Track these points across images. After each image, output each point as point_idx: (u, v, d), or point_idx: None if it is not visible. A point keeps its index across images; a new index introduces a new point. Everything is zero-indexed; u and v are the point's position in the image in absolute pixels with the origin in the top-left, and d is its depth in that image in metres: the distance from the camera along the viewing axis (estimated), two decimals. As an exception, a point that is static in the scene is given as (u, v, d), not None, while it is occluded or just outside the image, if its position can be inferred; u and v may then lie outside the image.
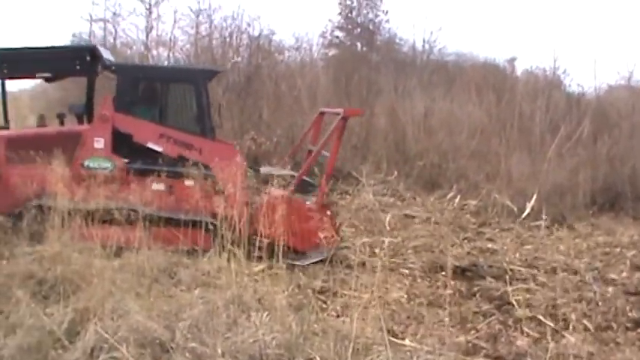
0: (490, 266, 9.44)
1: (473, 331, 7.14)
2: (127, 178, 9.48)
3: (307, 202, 9.69)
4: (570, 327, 6.97)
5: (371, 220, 11.33)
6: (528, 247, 10.85)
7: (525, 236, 11.52)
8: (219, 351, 5.05)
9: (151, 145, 9.72)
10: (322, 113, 11.64)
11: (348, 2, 33.45)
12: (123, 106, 9.78)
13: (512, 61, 26.54)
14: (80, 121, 10.57)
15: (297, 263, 9.12)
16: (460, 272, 9.25)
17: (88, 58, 10.41)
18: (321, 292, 8.07)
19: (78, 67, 10.40)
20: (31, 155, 8.77)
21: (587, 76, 43.23)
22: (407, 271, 9.23)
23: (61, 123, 10.72)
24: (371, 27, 33.00)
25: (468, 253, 10.47)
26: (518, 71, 25.00)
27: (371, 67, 24.68)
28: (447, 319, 7.10)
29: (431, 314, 7.18)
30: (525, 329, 7.12)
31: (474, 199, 13.93)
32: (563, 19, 48.04)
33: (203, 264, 7.82)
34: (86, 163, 9.53)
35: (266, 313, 5.93)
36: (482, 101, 18.38)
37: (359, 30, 32.98)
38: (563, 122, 16.10)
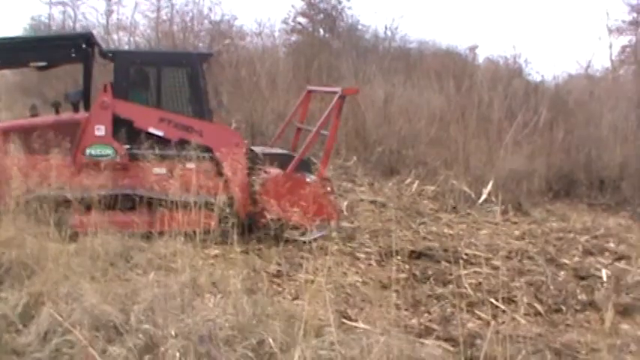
0: (445, 251, 9.52)
1: (426, 314, 7.25)
2: (128, 163, 9.48)
3: (307, 179, 9.85)
4: (522, 310, 7.12)
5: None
6: (484, 232, 11.02)
7: (481, 222, 11.68)
8: (172, 332, 5.09)
9: (151, 130, 9.68)
10: (310, 92, 11.94)
11: (311, -12, 33.32)
12: (121, 92, 9.78)
13: (473, 48, 26.80)
14: (76, 110, 10.34)
15: (302, 239, 9.12)
16: (415, 257, 9.36)
17: (84, 46, 10.32)
18: (276, 275, 8.10)
19: (73, 55, 10.32)
20: (27, 146, 8.75)
21: (549, 65, 43.73)
22: (363, 256, 9.31)
23: (57, 112, 10.45)
24: (333, 13, 32.91)
25: (424, 238, 10.59)
26: (480, 59, 25.28)
27: (332, 53, 24.71)
28: (400, 302, 7.21)
29: (385, 297, 7.25)
30: (477, 312, 7.23)
31: (431, 184, 14.13)
32: (527, 7, 48.50)
33: (159, 247, 7.81)
34: (88, 151, 9.48)
35: (220, 295, 5.99)
36: (442, 88, 18.51)
37: (321, 16, 32.88)
38: (520, 110, 16.29)
